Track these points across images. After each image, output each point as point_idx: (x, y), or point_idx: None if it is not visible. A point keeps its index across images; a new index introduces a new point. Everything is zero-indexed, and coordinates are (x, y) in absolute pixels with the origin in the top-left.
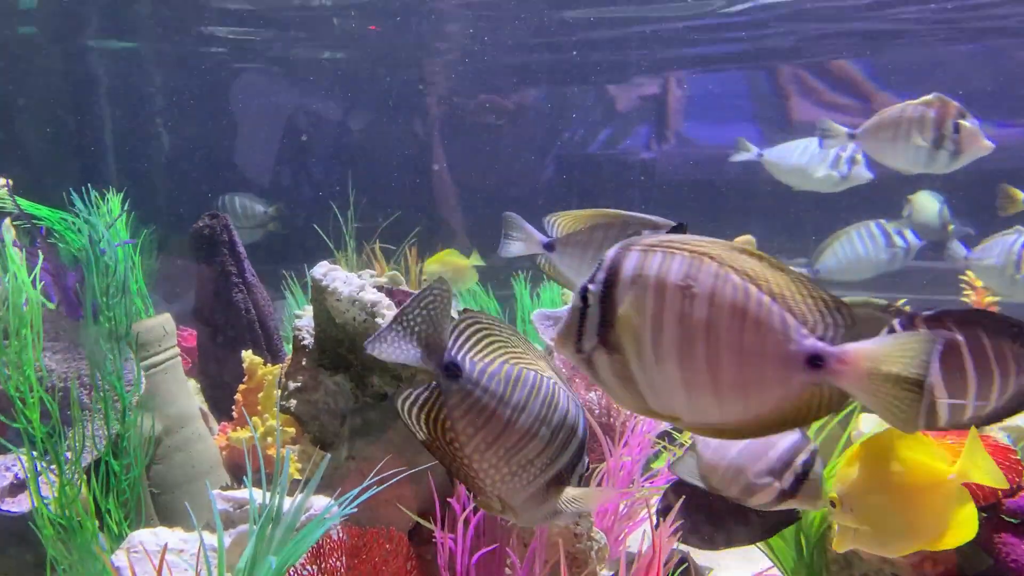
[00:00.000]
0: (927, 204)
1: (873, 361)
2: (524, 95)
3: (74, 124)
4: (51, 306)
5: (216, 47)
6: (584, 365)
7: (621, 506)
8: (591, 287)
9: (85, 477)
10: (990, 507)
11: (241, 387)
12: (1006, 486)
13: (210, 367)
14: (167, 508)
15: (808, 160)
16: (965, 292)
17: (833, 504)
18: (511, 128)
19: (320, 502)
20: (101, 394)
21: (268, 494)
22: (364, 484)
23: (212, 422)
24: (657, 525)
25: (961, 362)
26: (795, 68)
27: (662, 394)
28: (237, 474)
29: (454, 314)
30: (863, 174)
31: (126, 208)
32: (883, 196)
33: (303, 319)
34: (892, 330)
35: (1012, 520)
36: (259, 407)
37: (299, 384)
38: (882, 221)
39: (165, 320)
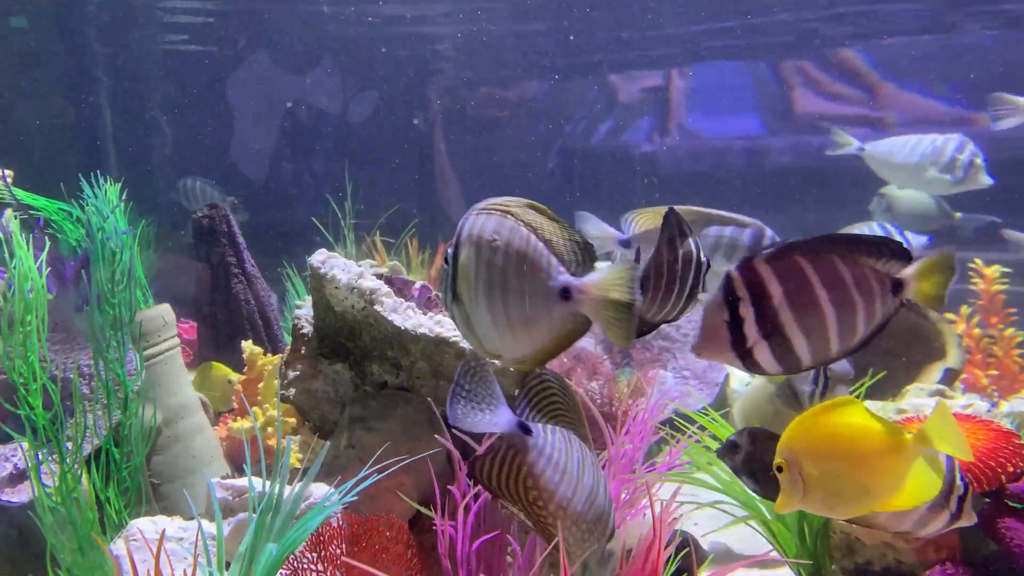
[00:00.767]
0: (906, 194)
1: (600, 289)
2: (526, 87)
3: (72, 114)
4: (50, 296)
5: (209, 42)
6: (451, 318)
7: (623, 494)
8: (448, 249)
9: (86, 466)
10: (994, 492)
11: (241, 377)
12: (970, 458)
13: (210, 358)
14: (167, 498)
15: (919, 159)
16: (973, 280)
17: (780, 468)
18: (513, 120)
19: (320, 490)
20: (102, 383)
21: (268, 482)
22: (364, 472)
23: (211, 413)
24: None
25: (813, 296)
26: (798, 58)
27: (485, 334)
28: (238, 464)
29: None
30: (982, 179)
31: (123, 198)
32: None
33: (303, 308)
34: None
35: (1016, 505)
36: (259, 397)
37: (299, 373)
38: (885, 222)
39: (165, 310)
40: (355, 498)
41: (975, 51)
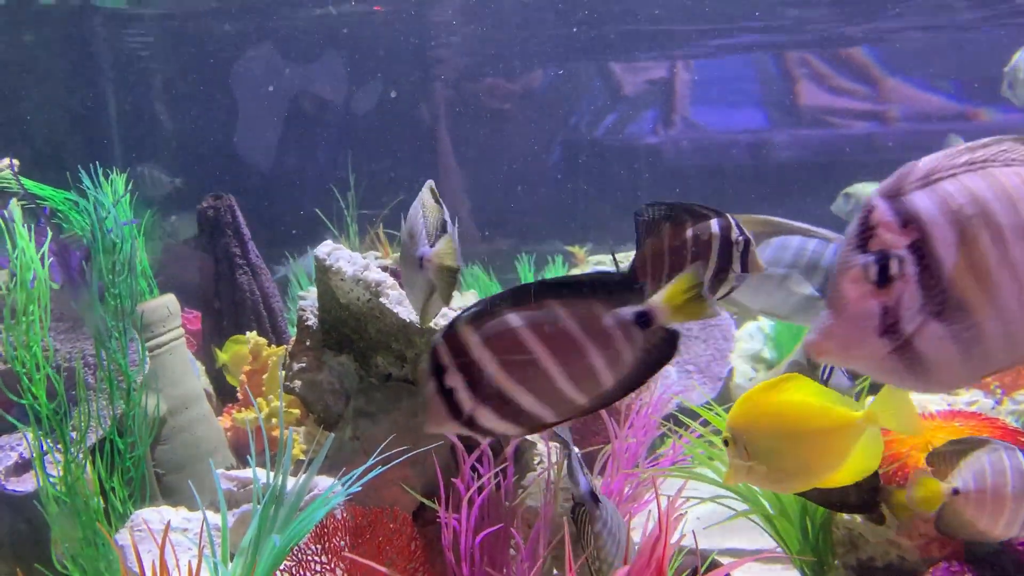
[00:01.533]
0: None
1: (437, 257)
2: (531, 79)
3: (78, 103)
4: (54, 286)
5: (226, 25)
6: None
7: (626, 488)
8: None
9: (90, 456)
10: None
11: (245, 368)
12: (919, 433)
13: (215, 349)
14: (171, 488)
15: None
16: None
17: (726, 443)
18: (517, 112)
19: (324, 482)
20: (106, 373)
21: (272, 474)
22: (368, 464)
23: (216, 402)
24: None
25: (528, 351)
26: (803, 52)
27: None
28: (242, 455)
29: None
30: None
31: (129, 188)
32: None
33: (307, 299)
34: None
35: None
36: (264, 388)
37: (303, 365)
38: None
39: (169, 300)
40: (359, 490)
41: (977, 45)
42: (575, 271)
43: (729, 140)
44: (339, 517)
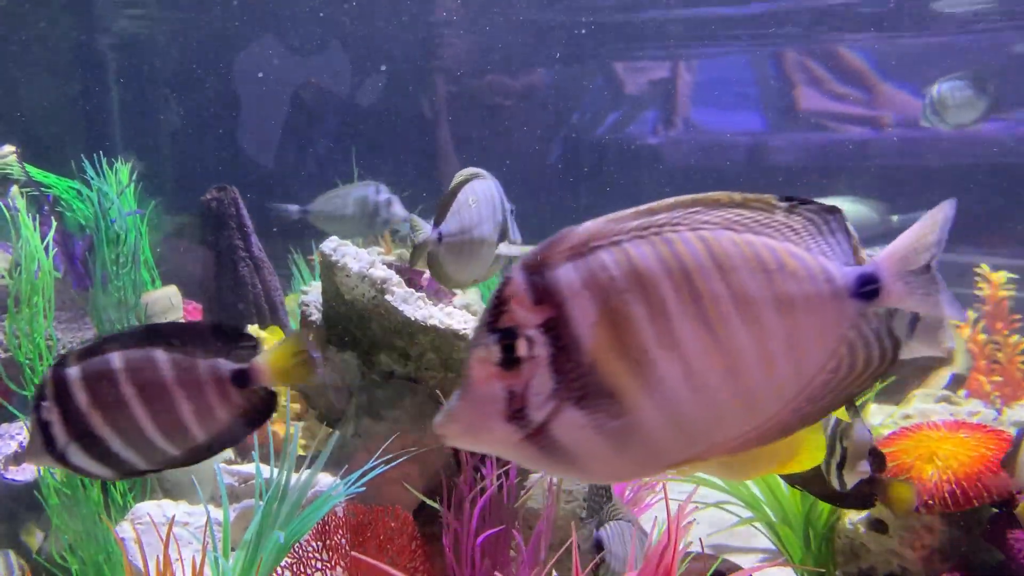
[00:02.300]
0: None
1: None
2: (532, 75)
3: (79, 92)
4: (57, 275)
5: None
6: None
7: (627, 491)
8: None
9: None
10: (1003, 503)
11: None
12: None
13: None
14: (170, 482)
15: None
16: (978, 284)
17: None
18: (518, 108)
19: (325, 479)
20: None
21: (274, 470)
22: (370, 462)
23: None
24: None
25: (119, 393)
26: (802, 56)
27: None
28: (242, 450)
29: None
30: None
31: (134, 178)
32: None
33: (310, 294)
34: None
35: None
36: None
37: None
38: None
39: (172, 292)
40: (361, 488)
41: (974, 52)
42: None
43: (728, 141)
44: (340, 515)
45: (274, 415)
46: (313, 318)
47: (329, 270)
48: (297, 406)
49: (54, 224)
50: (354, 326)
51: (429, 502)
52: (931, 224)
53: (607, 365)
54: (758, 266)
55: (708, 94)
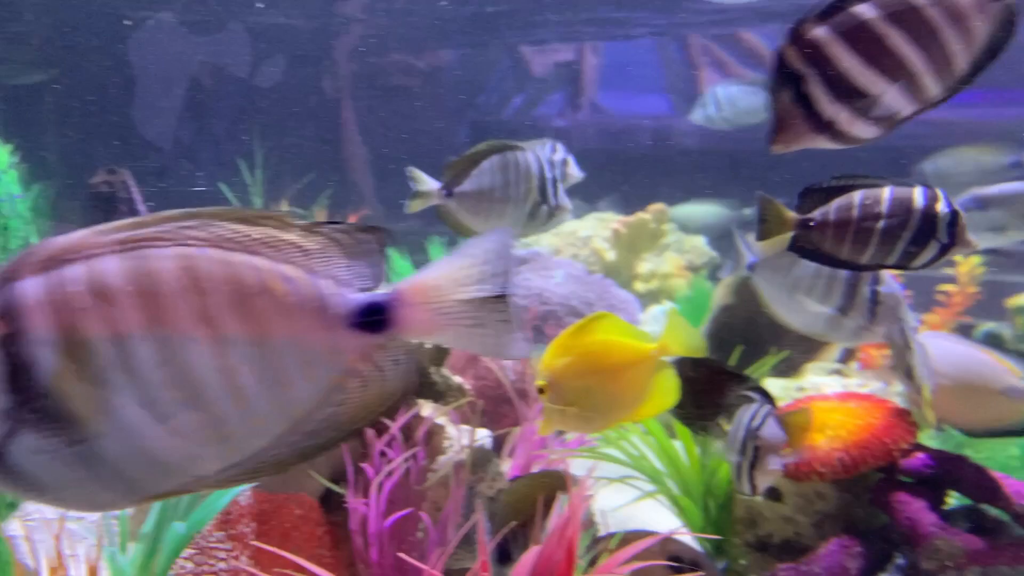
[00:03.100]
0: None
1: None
2: (437, 56)
3: None
4: None
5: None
6: None
7: (534, 469)
8: None
9: None
10: (888, 468)
11: None
12: (703, 355)
13: None
14: None
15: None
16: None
17: (541, 391)
18: (423, 89)
19: None
20: None
21: None
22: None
23: None
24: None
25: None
26: (705, 39)
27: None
28: None
29: None
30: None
31: (16, 160)
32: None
33: None
34: None
35: (907, 480)
36: None
37: None
38: None
39: None
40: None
41: None
42: None
43: (634, 125)
44: (243, 503)
45: None
46: None
47: None
48: None
49: None
50: None
51: (335, 488)
52: (481, 255)
53: (64, 387)
54: (235, 289)
55: (614, 77)
